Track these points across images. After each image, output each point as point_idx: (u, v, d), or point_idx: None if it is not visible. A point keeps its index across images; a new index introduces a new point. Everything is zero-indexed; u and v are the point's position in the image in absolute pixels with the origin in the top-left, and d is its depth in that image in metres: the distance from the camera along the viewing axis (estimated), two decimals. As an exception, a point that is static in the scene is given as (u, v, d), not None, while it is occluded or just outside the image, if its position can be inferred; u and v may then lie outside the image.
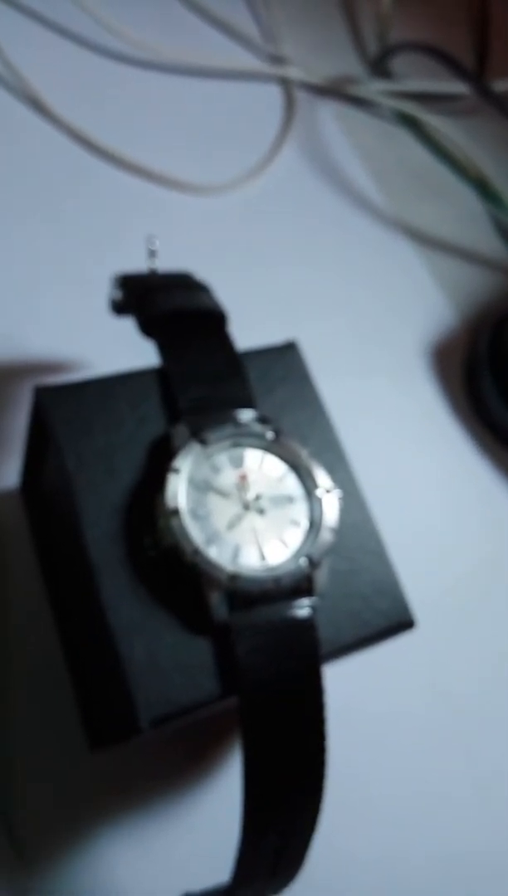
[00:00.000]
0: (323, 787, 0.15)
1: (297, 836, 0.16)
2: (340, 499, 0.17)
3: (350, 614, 0.17)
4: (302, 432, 0.18)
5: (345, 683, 0.21)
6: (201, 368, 0.18)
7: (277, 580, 0.16)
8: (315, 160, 0.31)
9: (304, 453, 0.17)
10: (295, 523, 0.17)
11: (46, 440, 0.17)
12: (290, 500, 0.17)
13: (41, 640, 0.20)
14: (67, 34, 0.29)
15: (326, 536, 0.16)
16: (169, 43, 0.30)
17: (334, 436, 0.19)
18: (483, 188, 0.33)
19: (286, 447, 0.17)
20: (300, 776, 0.15)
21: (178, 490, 0.16)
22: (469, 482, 0.27)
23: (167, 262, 0.20)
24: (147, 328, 0.18)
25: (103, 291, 0.20)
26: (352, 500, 0.18)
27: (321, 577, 0.16)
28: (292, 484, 0.17)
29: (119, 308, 0.19)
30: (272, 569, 0.16)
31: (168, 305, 0.18)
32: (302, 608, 0.16)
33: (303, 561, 0.16)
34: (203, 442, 0.16)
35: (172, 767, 0.20)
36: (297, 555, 0.16)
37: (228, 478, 0.16)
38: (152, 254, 0.19)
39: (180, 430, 0.17)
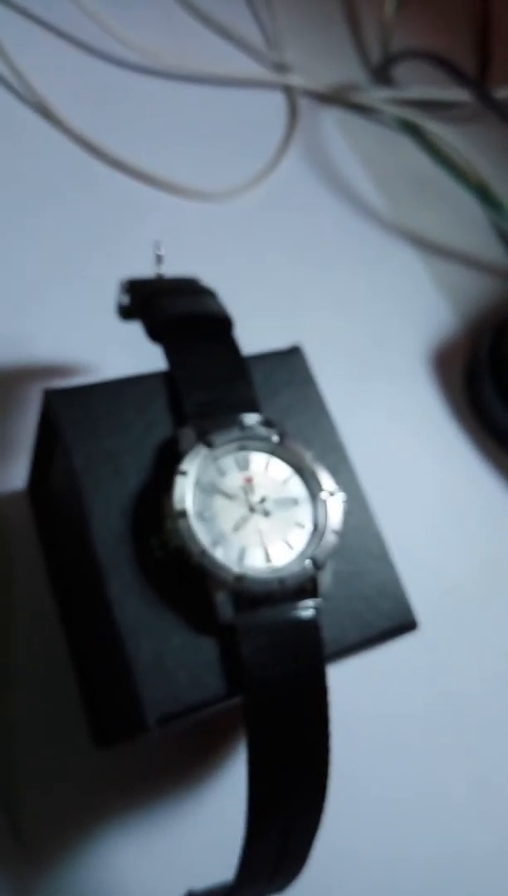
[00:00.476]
0: (327, 786, 0.16)
1: (300, 834, 0.16)
2: (343, 501, 0.18)
3: (354, 615, 0.17)
4: (306, 435, 0.18)
5: (348, 683, 0.21)
6: (208, 372, 0.18)
7: (281, 581, 0.16)
8: (318, 166, 0.31)
9: (308, 456, 0.17)
10: (300, 525, 0.17)
11: (55, 442, 0.18)
12: (295, 502, 0.17)
13: (47, 639, 0.20)
14: (74, 40, 0.30)
15: (330, 539, 0.17)
16: (174, 50, 0.30)
17: (337, 439, 0.19)
18: (483, 194, 0.34)
19: (291, 450, 0.17)
20: (304, 775, 0.16)
21: (185, 492, 0.16)
22: (470, 485, 0.27)
23: (172, 267, 0.20)
24: (154, 333, 0.18)
25: (111, 296, 0.20)
26: (355, 502, 0.18)
27: (325, 579, 0.17)
28: (296, 487, 0.17)
29: (127, 313, 0.19)
30: (277, 570, 0.16)
31: (175, 310, 0.18)
32: (306, 609, 0.16)
33: (307, 563, 0.16)
34: (209, 445, 0.17)
35: (176, 766, 0.20)
36: (301, 557, 0.16)
37: (234, 480, 0.17)
38: (159, 259, 0.20)
39: (187, 434, 0.17)
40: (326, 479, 0.17)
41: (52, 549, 0.20)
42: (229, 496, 0.17)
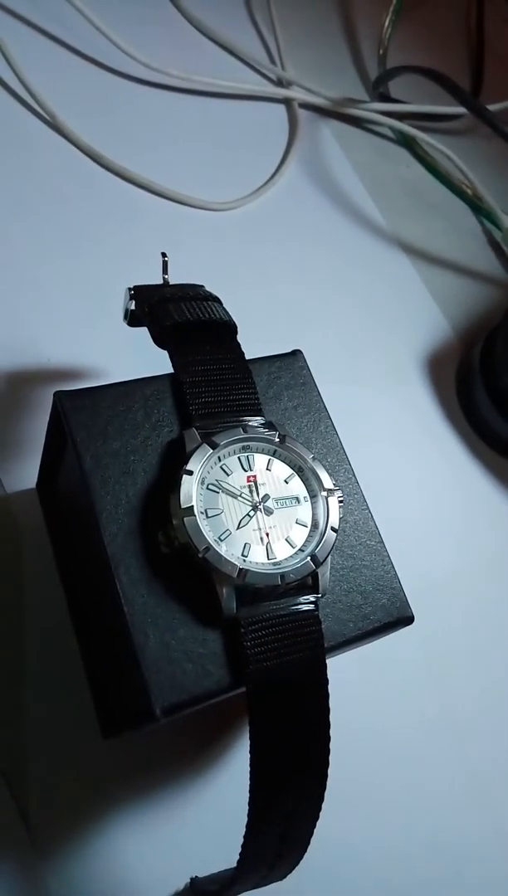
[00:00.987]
0: (327, 774, 0.16)
1: (301, 821, 0.16)
2: (342, 500, 0.18)
3: (352, 609, 0.18)
4: (307, 436, 0.19)
5: (347, 675, 0.22)
6: (212, 376, 0.18)
7: (283, 577, 0.16)
8: (317, 178, 0.32)
9: (309, 456, 0.18)
10: (301, 523, 0.18)
11: (65, 442, 0.18)
12: (296, 500, 0.18)
13: (56, 632, 0.20)
14: (82, 55, 0.30)
15: (329, 536, 0.17)
16: (179, 64, 0.31)
17: (336, 440, 0.19)
18: (477, 205, 0.35)
19: (292, 451, 0.18)
20: (305, 763, 0.16)
21: (191, 491, 0.16)
22: (461, 484, 0.28)
23: (177, 274, 0.21)
24: (160, 338, 0.19)
25: (118, 302, 0.21)
26: (353, 500, 0.19)
27: (325, 574, 0.17)
28: (297, 486, 0.18)
29: (134, 318, 0.20)
30: (279, 566, 0.17)
31: (180, 316, 0.19)
32: (307, 603, 0.17)
33: (308, 559, 0.17)
34: (214, 446, 0.17)
35: (180, 754, 0.20)
36: (302, 553, 0.17)
37: (238, 480, 0.17)
38: (165, 266, 0.20)
39: (193, 435, 0.17)
40: (326, 479, 0.18)
41: (62, 545, 0.21)
42: (233, 495, 0.17)
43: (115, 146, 0.29)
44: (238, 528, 0.17)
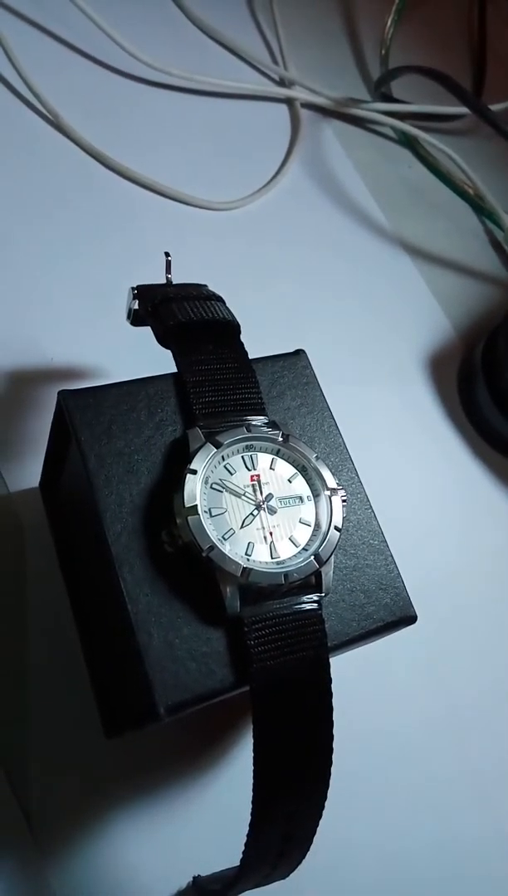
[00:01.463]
0: (329, 773, 0.16)
1: (304, 820, 0.16)
2: (345, 499, 0.18)
3: (355, 609, 0.18)
4: (310, 435, 0.19)
5: (349, 675, 0.22)
6: (216, 375, 0.18)
7: (286, 576, 0.16)
8: (319, 178, 0.32)
9: (312, 456, 0.18)
10: (304, 522, 0.18)
11: (69, 442, 0.18)
12: (299, 500, 0.18)
13: (59, 630, 0.20)
14: (86, 55, 0.30)
15: (332, 535, 0.17)
16: (181, 64, 0.31)
17: (339, 439, 0.19)
18: (479, 205, 0.35)
19: (296, 450, 0.18)
20: (308, 762, 0.16)
21: (195, 490, 0.17)
22: (463, 484, 0.28)
23: (179, 273, 0.21)
24: (164, 337, 0.19)
25: (121, 302, 0.21)
26: (356, 500, 0.19)
27: (328, 574, 0.17)
28: (301, 485, 0.18)
29: (137, 318, 0.20)
30: (283, 565, 0.17)
31: (184, 316, 0.19)
32: (310, 602, 0.17)
33: (311, 558, 0.17)
34: (218, 445, 0.17)
35: (183, 753, 0.20)
36: (306, 552, 0.17)
37: (241, 479, 0.17)
38: (168, 265, 0.20)
39: (196, 434, 0.17)
40: (329, 478, 0.18)
41: (65, 544, 0.21)
42: (236, 494, 0.17)
43: (117, 146, 0.29)
44: (242, 527, 0.17)
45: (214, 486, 0.17)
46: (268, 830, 0.16)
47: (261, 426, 0.18)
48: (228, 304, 0.20)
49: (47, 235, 0.26)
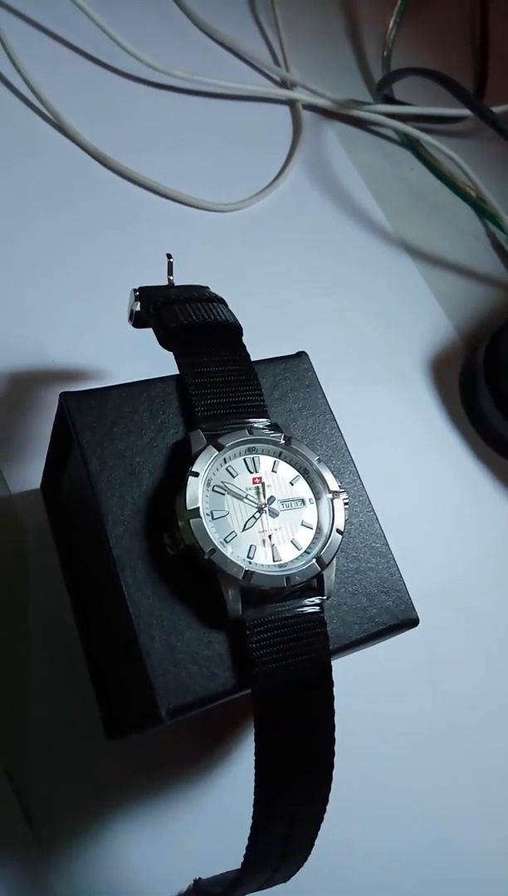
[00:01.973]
0: (331, 776, 0.16)
1: (306, 822, 0.16)
2: (347, 502, 0.18)
3: (357, 612, 0.18)
4: (312, 438, 0.19)
5: (351, 677, 0.22)
6: (218, 378, 0.18)
7: (288, 579, 0.16)
8: (321, 179, 0.32)
9: (314, 458, 0.18)
10: (306, 525, 0.18)
11: (70, 443, 0.18)
12: (301, 502, 0.18)
13: (60, 633, 0.20)
14: (88, 56, 0.30)
15: (335, 538, 0.17)
16: (183, 65, 0.31)
17: (341, 441, 0.19)
18: (481, 207, 0.35)
19: (298, 453, 0.18)
20: (310, 764, 0.16)
21: (197, 492, 0.16)
22: (465, 486, 0.28)
23: (180, 275, 0.21)
24: (166, 339, 0.19)
25: (123, 304, 0.21)
26: (358, 502, 0.19)
27: (330, 577, 0.17)
28: (303, 488, 0.18)
29: (139, 320, 0.20)
30: (285, 568, 0.17)
31: (186, 318, 0.19)
32: (312, 605, 0.17)
33: (313, 561, 0.17)
34: (220, 447, 0.17)
35: (184, 756, 0.20)
36: (308, 555, 0.17)
37: (243, 481, 0.17)
38: (170, 267, 0.20)
39: (198, 436, 0.17)
40: (331, 481, 0.18)
41: (66, 546, 0.21)
42: (238, 496, 0.17)
43: (119, 147, 0.29)
44: (244, 529, 0.17)
45: (216, 488, 0.17)
46: (269, 833, 0.16)
47: (263, 429, 0.18)
48: (230, 306, 0.20)
49: (49, 236, 0.26)
